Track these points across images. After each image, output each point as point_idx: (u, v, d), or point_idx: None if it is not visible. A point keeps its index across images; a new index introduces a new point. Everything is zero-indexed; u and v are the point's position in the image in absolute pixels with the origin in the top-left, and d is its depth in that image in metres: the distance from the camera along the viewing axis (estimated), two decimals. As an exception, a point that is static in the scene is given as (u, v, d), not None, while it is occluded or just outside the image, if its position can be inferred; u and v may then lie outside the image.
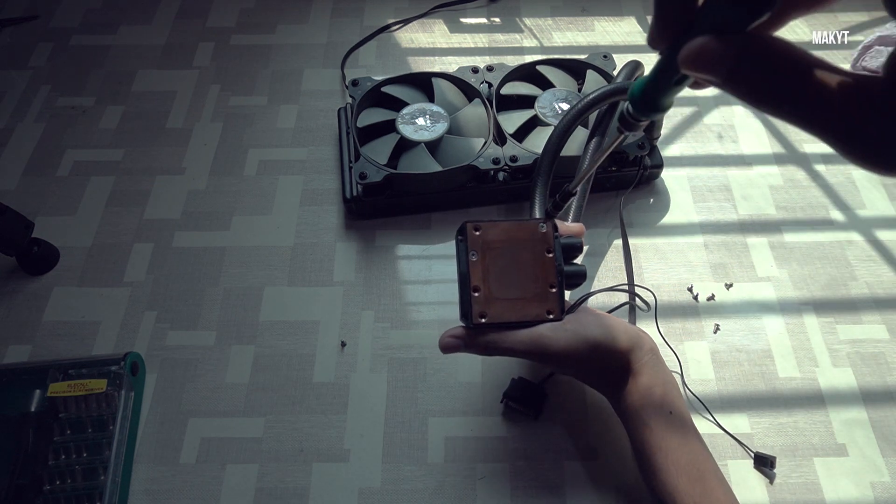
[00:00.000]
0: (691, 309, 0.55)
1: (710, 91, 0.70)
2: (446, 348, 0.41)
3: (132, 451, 0.48)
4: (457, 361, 0.53)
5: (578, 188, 0.51)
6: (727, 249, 0.59)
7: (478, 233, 0.41)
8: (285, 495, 0.47)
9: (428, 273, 0.58)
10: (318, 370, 0.53)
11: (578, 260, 0.45)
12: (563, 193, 0.39)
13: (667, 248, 0.59)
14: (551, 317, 0.41)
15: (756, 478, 0.47)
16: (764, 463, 0.47)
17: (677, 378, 0.51)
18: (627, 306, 0.54)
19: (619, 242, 0.59)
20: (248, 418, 0.50)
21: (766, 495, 0.46)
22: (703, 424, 0.48)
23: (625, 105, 0.27)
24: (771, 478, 0.47)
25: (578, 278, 0.43)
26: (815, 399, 0.51)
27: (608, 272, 0.57)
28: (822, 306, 0.55)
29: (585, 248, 0.58)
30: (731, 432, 0.49)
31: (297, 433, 0.50)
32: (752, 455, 0.48)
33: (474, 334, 0.41)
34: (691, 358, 0.52)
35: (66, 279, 0.58)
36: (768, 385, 0.51)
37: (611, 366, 0.43)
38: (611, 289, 0.54)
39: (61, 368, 0.49)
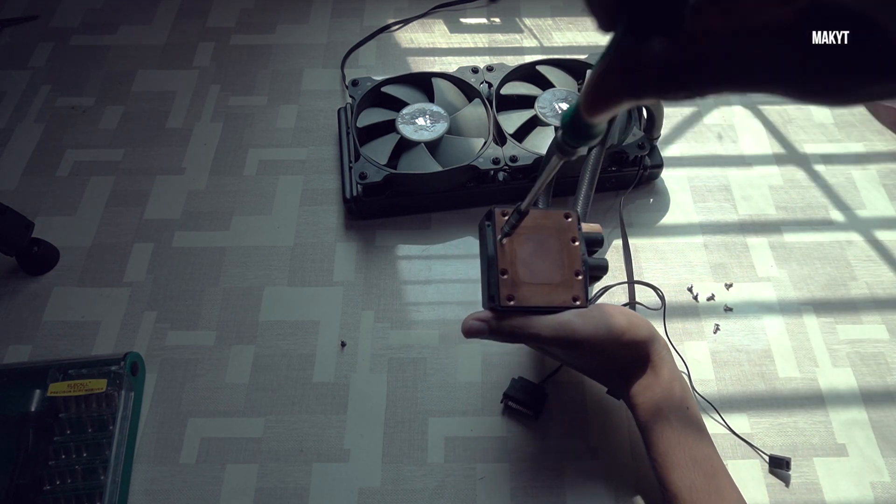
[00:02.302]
0: (691, 309, 0.55)
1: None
2: (470, 332, 0.40)
3: (132, 451, 0.48)
4: (457, 361, 0.53)
5: (581, 199, 0.51)
6: (727, 249, 0.59)
7: (506, 218, 0.42)
8: (285, 495, 0.47)
9: (428, 273, 0.58)
10: (318, 370, 0.53)
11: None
12: (516, 213, 0.39)
13: (667, 248, 0.59)
14: (577, 303, 0.41)
15: (756, 478, 0.47)
16: (779, 465, 0.47)
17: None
18: (629, 304, 0.54)
19: (619, 242, 0.59)
20: (248, 418, 0.50)
21: (766, 495, 0.46)
22: (707, 425, 0.48)
23: (559, 132, 0.27)
24: (787, 480, 0.47)
25: (601, 270, 0.44)
26: (815, 399, 0.51)
27: (608, 272, 0.57)
28: (822, 306, 0.55)
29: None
30: (740, 435, 0.49)
31: (297, 433, 0.50)
32: (767, 458, 0.47)
33: (500, 318, 0.40)
34: (691, 358, 0.52)
35: (66, 279, 0.58)
36: (768, 385, 0.51)
37: (630, 356, 0.43)
38: (631, 283, 0.54)
39: (61, 368, 0.49)
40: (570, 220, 0.43)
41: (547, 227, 0.42)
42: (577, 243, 0.42)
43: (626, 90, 0.20)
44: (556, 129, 0.27)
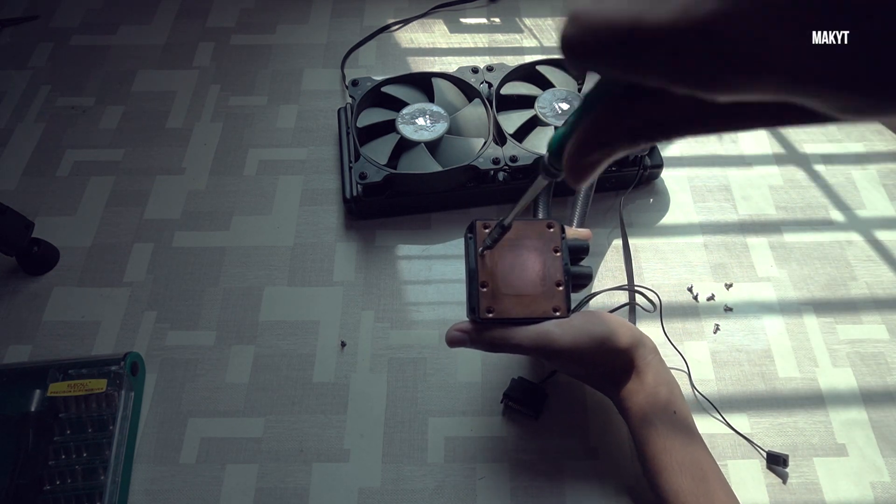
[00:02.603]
0: (691, 309, 0.55)
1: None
2: (452, 342, 0.41)
3: (132, 451, 0.48)
4: (457, 361, 0.53)
5: (581, 199, 0.51)
6: (727, 249, 0.59)
7: (487, 230, 0.42)
8: (285, 495, 0.47)
9: (428, 273, 0.58)
10: (318, 370, 0.53)
11: (584, 262, 0.46)
12: (498, 227, 0.40)
13: (667, 248, 0.59)
14: (558, 314, 0.41)
15: (756, 478, 0.47)
16: (777, 461, 0.47)
17: (684, 379, 0.51)
18: (628, 307, 0.54)
19: (619, 242, 0.59)
20: (248, 418, 0.50)
21: (765, 495, 0.46)
22: (707, 424, 0.48)
23: (546, 154, 0.28)
24: (784, 477, 0.47)
25: (584, 279, 0.44)
26: (815, 399, 0.51)
27: (608, 272, 0.57)
28: (822, 306, 0.55)
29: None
30: (740, 432, 0.49)
31: (297, 433, 0.50)
32: (765, 454, 0.47)
33: (481, 329, 0.41)
34: (691, 358, 0.52)
35: (66, 279, 0.58)
36: (768, 385, 0.51)
37: (614, 363, 0.43)
38: (617, 288, 0.54)
39: (61, 368, 0.49)
40: (552, 230, 0.43)
41: (529, 238, 0.43)
42: (558, 253, 0.43)
43: (622, 140, 0.21)
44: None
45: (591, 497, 0.47)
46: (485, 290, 0.41)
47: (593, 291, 0.54)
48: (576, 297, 0.53)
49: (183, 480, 0.48)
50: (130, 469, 0.48)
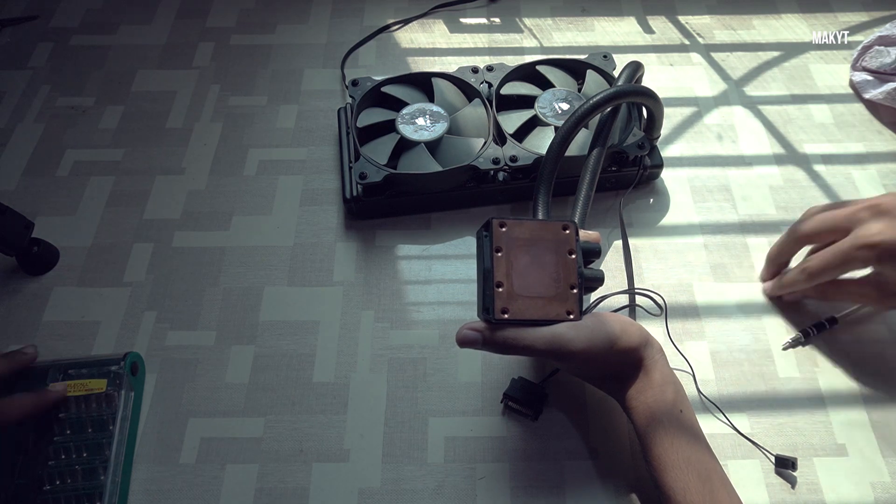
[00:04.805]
0: (691, 309, 0.55)
1: (710, 91, 0.70)
2: (464, 341, 0.41)
3: (132, 451, 0.48)
4: (457, 361, 0.53)
5: (582, 200, 0.52)
6: (727, 250, 0.59)
7: (503, 229, 0.42)
8: (285, 495, 0.47)
9: (428, 273, 0.58)
10: (318, 370, 0.53)
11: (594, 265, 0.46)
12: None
13: (667, 248, 0.59)
14: (571, 317, 0.42)
15: (756, 478, 0.47)
16: (785, 465, 0.46)
17: (689, 380, 0.51)
18: (629, 308, 0.54)
19: (619, 243, 0.59)
20: (248, 418, 0.50)
21: (766, 495, 0.46)
22: (708, 424, 0.48)
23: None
24: (793, 481, 0.47)
25: (597, 282, 0.44)
26: (815, 399, 0.51)
27: (608, 273, 0.57)
28: (822, 306, 0.55)
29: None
30: (746, 435, 0.49)
31: (297, 433, 0.50)
32: (773, 458, 0.47)
33: (494, 330, 0.41)
34: (691, 358, 0.52)
35: (66, 279, 0.58)
36: (768, 385, 0.51)
37: (623, 362, 0.43)
38: (625, 292, 0.54)
39: (61, 368, 0.49)
40: (567, 231, 0.43)
41: (544, 240, 0.43)
42: (573, 256, 0.43)
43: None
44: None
45: (591, 497, 0.47)
46: (500, 290, 0.41)
47: (602, 294, 0.54)
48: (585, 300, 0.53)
49: (183, 480, 0.48)
50: (130, 469, 0.48)
